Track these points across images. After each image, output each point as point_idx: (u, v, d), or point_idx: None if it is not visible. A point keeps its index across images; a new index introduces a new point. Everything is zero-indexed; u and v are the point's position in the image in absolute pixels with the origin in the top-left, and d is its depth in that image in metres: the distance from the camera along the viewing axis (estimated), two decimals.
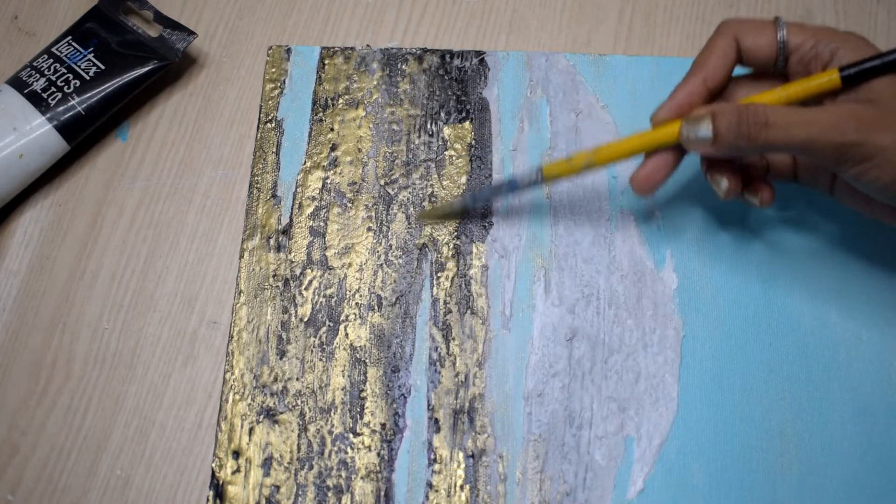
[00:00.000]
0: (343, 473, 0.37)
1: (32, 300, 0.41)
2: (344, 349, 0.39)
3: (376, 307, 0.39)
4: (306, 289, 0.40)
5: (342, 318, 0.39)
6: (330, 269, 0.40)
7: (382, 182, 0.42)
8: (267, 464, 0.37)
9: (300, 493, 0.37)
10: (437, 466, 0.37)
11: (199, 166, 0.43)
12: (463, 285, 0.40)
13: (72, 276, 0.41)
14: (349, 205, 0.41)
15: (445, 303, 0.39)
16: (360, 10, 0.46)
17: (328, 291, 0.40)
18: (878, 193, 0.33)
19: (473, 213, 0.41)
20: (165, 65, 0.43)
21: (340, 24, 0.46)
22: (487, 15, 0.46)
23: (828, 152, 0.32)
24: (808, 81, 0.34)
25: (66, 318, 0.40)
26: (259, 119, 0.43)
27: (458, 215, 0.41)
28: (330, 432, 0.37)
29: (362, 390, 0.38)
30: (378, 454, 0.37)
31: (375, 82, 0.44)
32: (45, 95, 0.41)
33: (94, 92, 0.42)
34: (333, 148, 0.42)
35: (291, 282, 0.40)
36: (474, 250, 0.40)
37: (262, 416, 0.38)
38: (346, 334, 0.39)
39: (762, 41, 0.35)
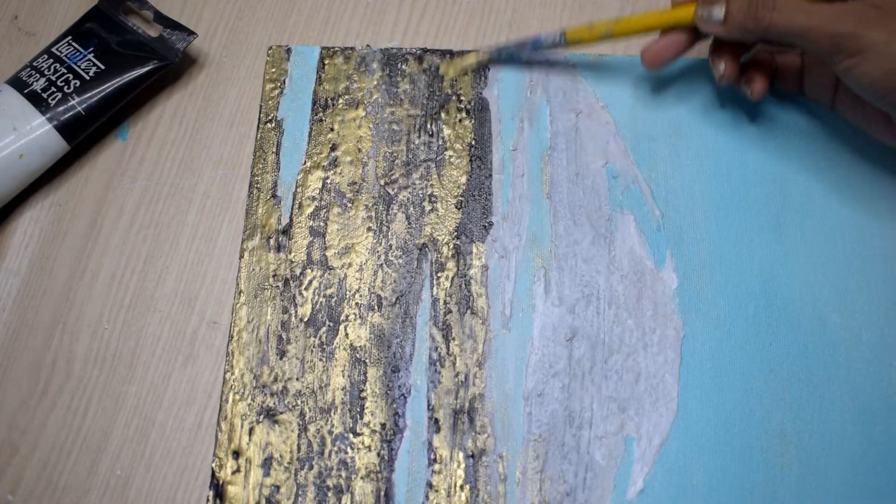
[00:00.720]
0: (343, 473, 0.37)
1: (32, 300, 0.41)
2: (344, 349, 0.39)
3: (376, 307, 0.39)
4: (306, 289, 0.40)
5: (342, 318, 0.39)
6: (330, 269, 0.40)
7: (382, 182, 0.42)
8: (267, 464, 0.37)
9: (300, 493, 0.37)
10: (437, 466, 0.37)
11: (199, 166, 0.43)
12: (463, 285, 0.40)
13: (72, 276, 0.41)
14: (349, 205, 0.41)
15: (445, 303, 0.39)
16: (360, 10, 0.46)
17: (328, 291, 0.40)
18: (868, 91, 0.35)
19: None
20: (165, 65, 0.43)
21: (340, 24, 0.46)
22: (487, 15, 0.46)
23: (823, 41, 0.34)
24: None
25: (66, 318, 0.40)
26: (259, 119, 0.43)
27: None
28: (330, 432, 0.37)
29: (362, 390, 0.38)
30: (378, 454, 0.37)
31: (375, 82, 0.44)
32: (45, 95, 0.41)
33: (94, 92, 0.42)
34: (333, 148, 0.42)
35: (291, 282, 0.40)
36: (474, 250, 0.40)
37: (262, 416, 0.38)
38: (346, 334, 0.39)
39: None
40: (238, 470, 0.37)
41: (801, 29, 0.34)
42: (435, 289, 0.40)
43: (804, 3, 0.35)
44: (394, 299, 0.40)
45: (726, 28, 0.36)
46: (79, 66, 0.42)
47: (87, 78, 0.42)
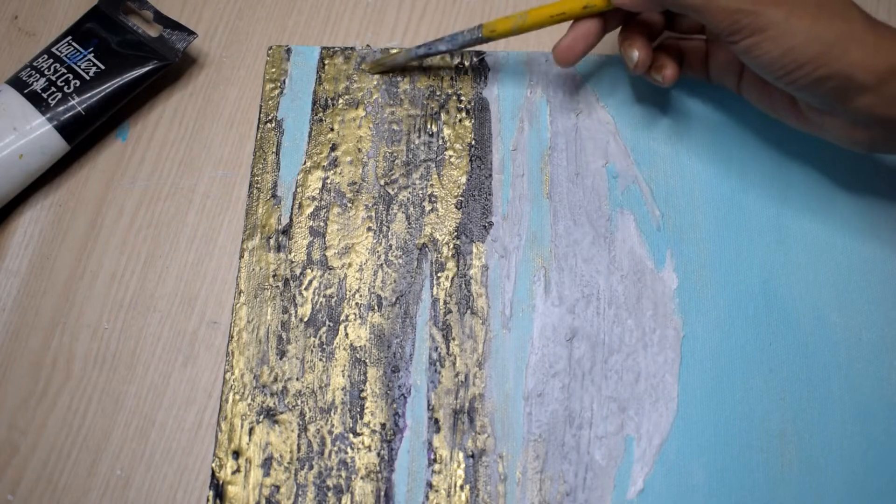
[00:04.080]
0: (343, 473, 0.37)
1: (32, 300, 0.41)
2: (344, 349, 0.39)
3: (376, 307, 0.39)
4: (306, 289, 0.40)
5: (342, 318, 0.39)
6: (330, 269, 0.40)
7: (382, 182, 0.42)
8: (267, 464, 0.37)
9: (300, 493, 0.37)
10: (437, 466, 0.37)
11: (199, 166, 0.43)
12: (463, 285, 0.40)
13: (72, 276, 0.41)
14: (349, 205, 0.41)
15: (445, 303, 0.39)
16: (360, 10, 0.46)
17: (328, 291, 0.40)
18: (768, 71, 0.35)
19: (475, 212, 0.41)
20: (165, 65, 0.43)
21: (340, 24, 0.46)
22: (487, 15, 0.46)
23: (722, 16, 0.34)
24: None
25: (66, 318, 0.40)
26: (259, 119, 0.43)
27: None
28: (330, 432, 0.37)
29: (362, 390, 0.38)
30: (378, 454, 0.37)
31: (375, 82, 0.44)
32: (45, 95, 0.41)
33: (94, 92, 0.42)
34: (333, 148, 0.42)
35: (291, 282, 0.40)
36: (474, 250, 0.40)
37: (262, 416, 0.38)
38: (346, 334, 0.39)
39: None
40: (238, 470, 0.37)
41: (700, 2, 0.34)
42: (435, 289, 0.40)
43: None
44: (394, 299, 0.40)
45: None
46: (79, 66, 0.42)
47: (87, 78, 0.42)
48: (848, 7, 0.34)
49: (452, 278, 0.40)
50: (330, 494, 0.37)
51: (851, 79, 0.33)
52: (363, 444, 0.37)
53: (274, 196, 0.42)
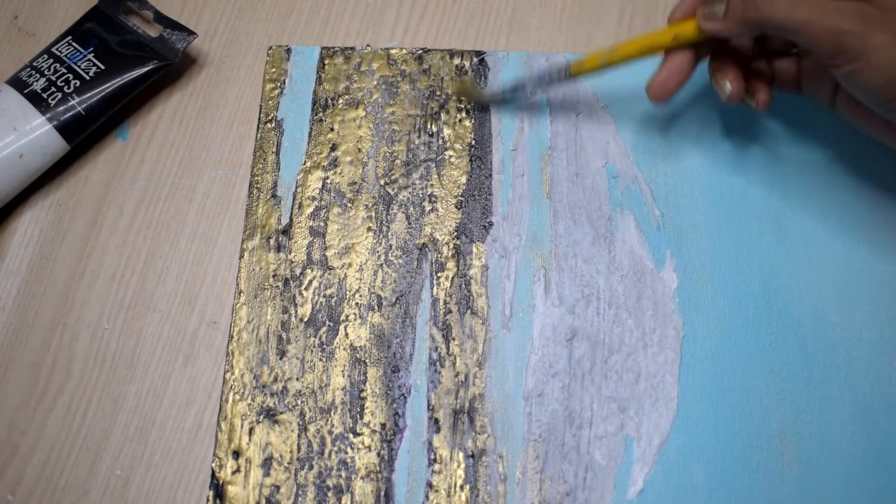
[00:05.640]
0: (343, 473, 0.37)
1: (32, 300, 0.41)
2: (344, 349, 0.39)
3: (376, 307, 0.39)
4: (306, 289, 0.40)
5: (342, 318, 0.39)
6: (330, 269, 0.40)
7: (382, 182, 0.42)
8: (267, 464, 0.37)
9: (300, 493, 0.37)
10: (437, 466, 0.37)
11: (199, 166, 0.43)
12: (463, 285, 0.40)
13: (72, 276, 0.41)
14: (349, 205, 0.41)
15: (445, 303, 0.39)
16: (360, 10, 0.46)
17: (328, 291, 0.40)
18: (870, 97, 0.33)
19: (473, 214, 0.41)
20: (165, 65, 0.43)
21: (340, 24, 0.46)
22: (487, 15, 0.46)
23: (825, 38, 0.32)
24: None
25: (66, 318, 0.40)
26: (259, 119, 0.43)
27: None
28: (330, 432, 0.37)
29: (362, 390, 0.38)
30: (378, 454, 0.37)
31: (375, 82, 0.44)
32: (45, 95, 0.41)
33: (94, 92, 0.42)
34: (333, 148, 0.42)
35: (291, 282, 0.40)
36: (474, 250, 0.40)
37: (262, 416, 0.38)
38: (346, 334, 0.39)
39: None
40: (238, 470, 0.37)
41: (801, 22, 0.32)
42: (435, 289, 0.40)
43: None
44: (394, 299, 0.40)
45: (727, 23, 0.34)
46: (79, 66, 0.42)
47: (87, 78, 0.42)
48: None
49: (452, 278, 0.40)
50: (330, 494, 0.37)
51: None
52: (363, 444, 0.37)
53: (274, 196, 0.42)
